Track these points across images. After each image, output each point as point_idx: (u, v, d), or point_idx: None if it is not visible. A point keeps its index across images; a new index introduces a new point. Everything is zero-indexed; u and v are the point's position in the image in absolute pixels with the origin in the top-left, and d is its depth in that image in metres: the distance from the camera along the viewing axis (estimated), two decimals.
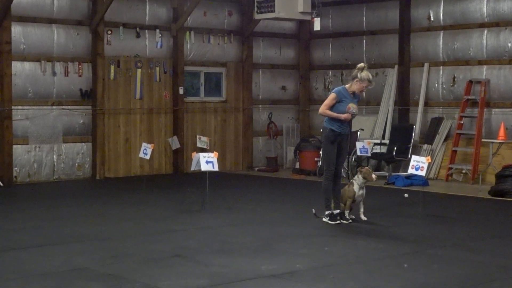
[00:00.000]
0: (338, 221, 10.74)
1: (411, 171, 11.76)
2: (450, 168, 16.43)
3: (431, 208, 12.50)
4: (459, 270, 8.03)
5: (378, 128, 17.93)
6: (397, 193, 14.09)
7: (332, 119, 10.70)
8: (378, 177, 16.42)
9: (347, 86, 10.84)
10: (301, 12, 17.28)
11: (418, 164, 11.18)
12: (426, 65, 17.43)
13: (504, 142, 15.47)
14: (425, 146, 16.91)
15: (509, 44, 16.14)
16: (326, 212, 10.87)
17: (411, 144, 16.67)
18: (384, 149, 16.94)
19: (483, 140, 15.92)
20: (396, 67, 17.95)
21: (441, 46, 17.30)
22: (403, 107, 17.80)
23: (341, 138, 10.76)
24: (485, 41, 16.54)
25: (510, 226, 10.88)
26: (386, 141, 17.29)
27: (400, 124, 17.55)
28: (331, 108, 10.70)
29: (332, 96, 10.80)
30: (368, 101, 18.74)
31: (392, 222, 11.01)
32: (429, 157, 11.89)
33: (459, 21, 16.94)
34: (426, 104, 17.49)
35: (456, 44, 17.02)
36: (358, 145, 15.81)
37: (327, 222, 10.77)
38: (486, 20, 16.52)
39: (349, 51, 19.17)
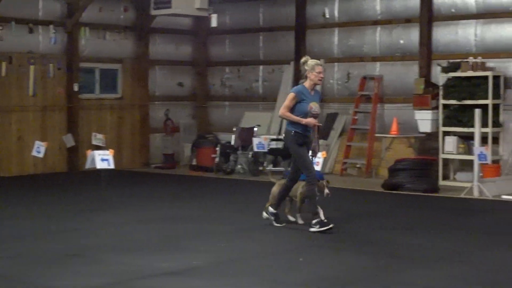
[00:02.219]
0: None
1: None
2: (344, 163, 16.73)
3: (325, 202, 12.69)
4: (356, 261, 8.18)
5: (274, 123, 18.08)
6: None
7: (295, 122, 9.99)
8: (275, 172, 16.65)
9: (305, 84, 10.13)
10: (198, 9, 17.24)
11: (314, 159, 11.34)
12: (322, 61, 17.63)
13: (396, 137, 15.87)
14: (321, 141, 17.10)
15: (401, 41, 16.56)
16: (315, 221, 9.84)
17: None
18: (280, 145, 17.08)
19: (376, 135, 16.28)
20: (292, 63, 18.14)
21: (336, 42, 17.60)
22: None
23: (306, 141, 10.02)
24: (378, 38, 16.92)
25: (403, 218, 11.16)
26: (282, 136, 17.42)
27: None
28: (292, 109, 9.98)
29: (291, 96, 10.07)
30: (265, 98, 18.88)
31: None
32: (324, 152, 12.09)
33: (354, 18, 17.27)
34: (321, 100, 17.63)
35: (351, 41, 17.35)
36: (255, 141, 15.94)
37: (316, 231, 9.80)
38: (379, 17, 16.90)
39: (246, 47, 19.26)
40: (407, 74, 16.41)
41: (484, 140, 14.15)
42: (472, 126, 13.95)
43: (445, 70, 15.31)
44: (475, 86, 14.78)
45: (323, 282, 7.27)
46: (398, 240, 9.37)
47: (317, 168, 11.79)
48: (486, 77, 14.67)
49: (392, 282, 7.31)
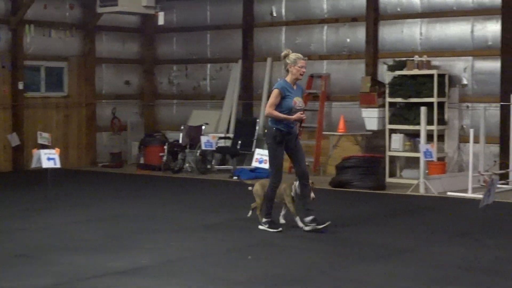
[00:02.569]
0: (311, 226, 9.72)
1: (255, 164, 11.93)
2: None
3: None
4: (304, 259, 8.22)
5: (222, 122, 18.07)
6: (242, 186, 14.22)
7: (279, 119, 9.68)
8: (223, 170, 16.66)
9: (287, 78, 9.80)
10: (145, 6, 17.15)
11: (262, 157, 11.36)
12: (269, 59, 17.72)
13: (343, 135, 15.99)
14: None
15: (348, 40, 16.68)
16: (265, 220, 9.87)
17: (255, 138, 16.93)
18: (228, 143, 17.10)
19: (324, 132, 16.38)
20: (240, 61, 18.15)
21: (283, 41, 17.65)
22: (247, 101, 18.04)
23: (289, 137, 9.76)
24: (325, 37, 17.02)
25: (350, 215, 11.23)
26: (231, 135, 17.46)
27: (244, 118, 17.78)
28: (275, 106, 9.68)
29: (275, 92, 9.71)
30: (213, 96, 18.86)
31: (237, 215, 11.11)
32: None
33: (301, 17, 17.34)
34: (269, 98, 17.73)
35: (298, 39, 17.42)
36: (203, 139, 15.90)
37: (265, 230, 9.79)
38: (326, 16, 17.00)
39: (193, 45, 19.21)
40: (353, 72, 16.54)
41: (429, 137, 14.33)
42: (418, 123, 14.12)
43: (391, 68, 15.47)
44: (421, 85, 14.97)
45: (271, 280, 7.29)
46: (345, 237, 9.44)
47: (265, 166, 11.82)
48: (431, 76, 14.86)
49: (338, 278, 7.36)
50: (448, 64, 15.35)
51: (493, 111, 14.72)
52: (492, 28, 14.95)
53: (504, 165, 14.40)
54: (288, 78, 9.81)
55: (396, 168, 15.64)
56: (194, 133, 16.94)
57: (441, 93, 14.94)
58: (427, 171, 13.90)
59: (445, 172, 14.73)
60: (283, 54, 9.86)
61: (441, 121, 15.01)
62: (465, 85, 15.24)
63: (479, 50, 15.12)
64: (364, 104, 15.80)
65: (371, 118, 15.66)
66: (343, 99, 16.68)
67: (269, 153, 9.91)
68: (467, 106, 15.19)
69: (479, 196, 11.23)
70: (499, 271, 7.69)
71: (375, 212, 11.63)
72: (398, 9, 16.03)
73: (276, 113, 9.64)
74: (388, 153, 15.35)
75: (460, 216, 11.34)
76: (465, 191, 13.25)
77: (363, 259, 8.23)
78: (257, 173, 15.48)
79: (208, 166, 16.72)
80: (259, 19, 18.01)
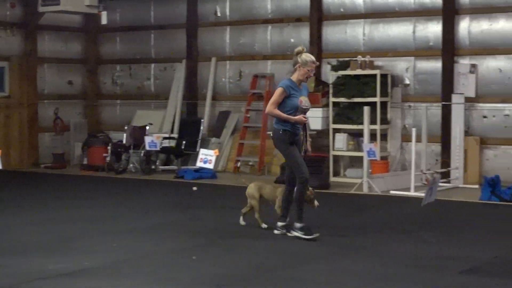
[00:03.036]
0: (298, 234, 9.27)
1: (199, 164, 11.91)
2: (237, 161, 16.81)
3: (220, 200, 12.75)
4: (252, 258, 8.22)
5: (167, 122, 17.99)
6: (186, 187, 14.21)
7: (283, 119, 9.27)
8: (168, 171, 16.58)
9: (292, 77, 9.36)
10: (88, 6, 16.96)
11: (207, 158, 11.34)
12: (214, 59, 17.70)
13: None
14: (213, 139, 17.17)
15: (292, 40, 16.75)
16: (300, 225, 9.29)
17: (200, 138, 16.90)
18: (173, 143, 17.03)
19: (268, 132, 16.39)
20: (184, 61, 18.09)
21: (227, 41, 17.65)
22: (192, 101, 17.99)
23: (296, 138, 9.35)
24: (269, 37, 17.07)
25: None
26: (175, 135, 17.39)
27: (189, 118, 17.74)
28: (280, 105, 9.26)
29: (279, 91, 9.25)
30: (157, 96, 18.77)
31: (183, 215, 11.08)
32: (217, 150, 12.10)
33: (245, 17, 17.36)
34: (214, 98, 17.78)
35: (242, 39, 17.44)
36: (147, 139, 15.82)
37: (298, 237, 9.20)
38: (270, 16, 17.05)
39: (137, 45, 19.08)
40: None
41: (373, 137, 14.47)
42: (361, 123, 14.25)
43: (335, 68, 15.59)
44: (364, 84, 15.11)
45: (216, 280, 7.28)
46: (291, 237, 9.46)
47: (210, 166, 11.83)
48: (374, 76, 15.01)
49: (284, 278, 7.38)
50: (391, 64, 15.53)
51: (435, 110, 14.93)
52: (433, 29, 15.16)
53: (445, 163, 14.62)
54: (294, 77, 9.37)
55: (340, 167, 15.76)
56: (138, 134, 16.82)
57: (383, 93, 15.11)
58: (370, 170, 14.03)
59: (388, 171, 14.89)
60: (297, 50, 9.38)
61: (384, 121, 15.18)
62: (407, 85, 15.43)
63: (421, 51, 15.33)
64: None
65: (315, 117, 15.73)
66: None
67: (285, 156, 9.44)
68: (409, 106, 15.38)
69: (421, 194, 11.37)
70: (442, 267, 7.80)
71: (320, 211, 11.67)
72: (342, 10, 16.15)
73: (278, 112, 9.23)
74: (332, 153, 15.47)
75: (403, 214, 11.47)
76: (408, 189, 13.41)
77: (310, 258, 8.27)
78: (201, 173, 15.46)
79: (152, 167, 16.62)
80: (203, 19, 17.98)
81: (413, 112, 15.35)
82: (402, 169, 15.16)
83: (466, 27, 14.83)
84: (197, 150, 16.08)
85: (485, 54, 14.68)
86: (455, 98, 14.68)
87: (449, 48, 14.82)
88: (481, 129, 14.75)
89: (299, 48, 9.39)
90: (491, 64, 14.65)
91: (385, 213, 11.61)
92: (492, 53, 14.62)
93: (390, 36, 15.61)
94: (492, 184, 12.60)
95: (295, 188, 9.32)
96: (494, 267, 7.89)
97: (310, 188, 9.50)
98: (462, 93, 14.69)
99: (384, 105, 15.18)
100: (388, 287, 7.08)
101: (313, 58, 9.35)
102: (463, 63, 14.83)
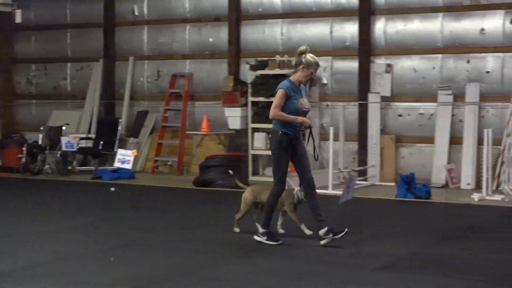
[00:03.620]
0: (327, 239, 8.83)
1: (117, 164, 11.82)
2: (156, 161, 16.69)
3: (139, 201, 12.64)
4: (170, 259, 8.17)
5: (84, 122, 17.75)
6: (104, 187, 14.04)
7: (285, 122, 8.82)
8: (85, 171, 16.35)
9: (291, 78, 8.90)
10: (1, 3, 16.56)
11: (125, 158, 11.31)
12: (131, 59, 17.55)
13: (207, 134, 16.03)
14: (131, 140, 17.01)
15: (211, 39, 16.74)
16: (263, 230, 9.00)
17: (117, 138, 16.72)
18: (90, 143, 16.81)
19: (187, 132, 16.37)
20: (101, 60, 17.87)
21: (145, 40, 17.53)
22: (109, 100, 17.79)
23: (296, 142, 8.95)
24: (188, 36, 17.02)
25: (214, 214, 11.28)
26: (92, 135, 17.17)
27: (106, 118, 17.54)
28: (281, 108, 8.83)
29: (281, 93, 8.77)
30: (74, 95, 18.50)
31: (101, 216, 10.93)
32: (135, 151, 12.03)
33: (163, 16, 17.27)
34: (132, 97, 17.62)
35: (161, 38, 17.34)
36: (64, 140, 15.60)
37: (261, 242, 8.94)
38: (188, 15, 17.00)
39: (53, 44, 18.77)
40: (216, 72, 16.62)
41: None
42: None
43: (253, 68, 15.64)
44: None
45: (135, 281, 7.21)
46: (213, 237, 9.45)
47: (128, 166, 11.73)
48: None
49: (204, 278, 7.36)
50: None
51: (352, 109, 15.13)
52: (350, 29, 15.37)
53: (362, 162, 14.84)
54: (294, 78, 8.91)
55: (259, 166, 15.82)
56: (54, 134, 16.54)
57: None
58: (289, 169, 14.05)
59: None
60: (300, 49, 8.90)
61: None
62: (325, 84, 15.60)
63: (338, 50, 15.52)
64: (227, 103, 15.90)
65: (234, 117, 15.79)
66: (206, 99, 16.73)
67: (274, 159, 8.97)
68: (327, 105, 15.56)
69: (339, 192, 11.49)
70: (358, 264, 7.90)
71: (239, 210, 11.69)
72: (260, 10, 16.22)
73: (283, 114, 8.74)
74: (251, 152, 15.52)
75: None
76: (326, 187, 13.55)
77: (230, 257, 8.26)
78: (119, 173, 15.28)
79: (69, 168, 16.37)
80: (121, 17, 17.80)
81: (330, 111, 15.52)
82: (320, 168, 15.30)
83: (381, 27, 15.08)
84: (115, 150, 15.94)
85: (400, 54, 14.96)
86: (371, 97, 14.91)
87: (365, 48, 15.04)
88: (397, 128, 15.02)
89: (303, 48, 8.89)
90: (406, 64, 14.94)
91: (303, 211, 11.68)
92: (407, 53, 14.91)
93: (308, 36, 15.74)
94: (407, 182, 12.84)
95: (269, 197, 8.99)
96: (410, 263, 8.03)
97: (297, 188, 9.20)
98: (378, 92, 14.94)
99: None
100: (303, 284, 7.12)
101: (317, 59, 8.91)
102: (379, 62, 15.07)
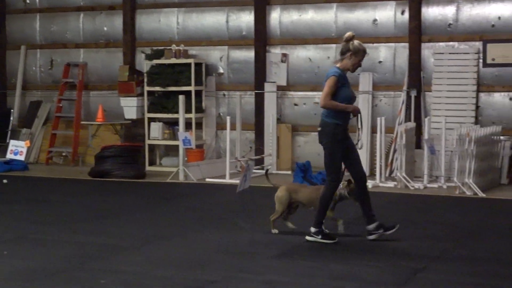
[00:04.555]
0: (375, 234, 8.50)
1: (9, 156, 11.54)
2: (50, 152, 16.36)
3: (32, 193, 12.38)
4: (62, 251, 8.02)
5: None
6: None
7: (338, 111, 8.35)
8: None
9: (339, 65, 8.41)
10: None
11: (17, 149, 11.04)
12: (23, 48, 17.11)
13: (102, 124, 15.82)
14: (24, 130, 16.61)
15: (105, 28, 16.50)
16: (315, 230, 8.46)
17: (10, 129, 16.34)
18: None
19: (82, 122, 16.10)
20: None
21: (38, 28, 17.13)
22: (0, 91, 17.32)
23: (347, 134, 8.47)
24: (82, 25, 16.72)
25: (110, 205, 11.14)
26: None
27: None
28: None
29: (333, 80, 8.25)
30: None
31: None
32: (28, 141, 11.75)
33: (56, 4, 16.92)
34: (24, 87, 17.20)
35: (53, 27, 16.98)
36: None
37: (316, 241, 8.43)
38: (82, 4, 16.70)
39: None
40: (111, 61, 16.40)
41: (188, 125, 14.55)
42: (177, 112, 14.26)
43: (149, 57, 15.52)
44: (179, 73, 15.15)
45: (28, 275, 7.06)
46: (106, 229, 9.34)
47: (21, 157, 11.46)
48: (188, 64, 15.09)
49: (97, 270, 7.26)
50: (205, 53, 15.66)
51: (248, 99, 15.22)
52: (245, 19, 15.42)
53: (259, 150, 14.94)
54: (342, 65, 8.42)
55: (156, 156, 15.73)
56: None
57: (198, 82, 15.21)
58: (186, 159, 14.09)
59: (204, 159, 15.02)
60: (347, 35, 8.42)
61: (199, 109, 15.29)
62: (221, 73, 15.62)
63: (234, 40, 15.55)
64: (122, 93, 15.72)
65: (130, 107, 15.63)
66: (101, 88, 16.51)
67: (327, 153, 8.42)
68: (224, 94, 15.59)
69: (236, 181, 11.55)
70: (256, 252, 7.97)
71: (135, 200, 11.62)
72: None
73: (335, 103, 8.27)
74: (147, 142, 15.41)
75: (219, 202, 11.61)
76: (223, 177, 13.61)
77: (123, 249, 8.19)
78: (12, 165, 14.88)
79: None
80: (12, 5, 17.34)
81: (227, 101, 15.56)
82: (217, 157, 15.35)
83: (277, 17, 15.20)
84: (7, 141, 15.55)
85: (295, 44, 15.12)
86: (267, 87, 15.03)
87: (261, 38, 15.13)
88: (293, 117, 15.19)
89: (350, 34, 8.42)
90: (301, 54, 15.10)
91: (201, 201, 11.70)
92: (302, 43, 15.08)
93: (204, 25, 15.72)
94: (303, 170, 13.01)
95: (323, 191, 8.48)
96: (306, 251, 8.14)
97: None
98: (274, 82, 15.07)
99: (199, 94, 15.29)
100: (201, 273, 7.13)
101: (364, 46, 8.46)
102: (274, 52, 15.20)
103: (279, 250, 8.07)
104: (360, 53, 8.38)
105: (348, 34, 8.43)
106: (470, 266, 7.51)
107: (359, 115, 8.50)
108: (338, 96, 8.31)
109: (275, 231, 8.89)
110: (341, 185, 8.63)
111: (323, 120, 8.43)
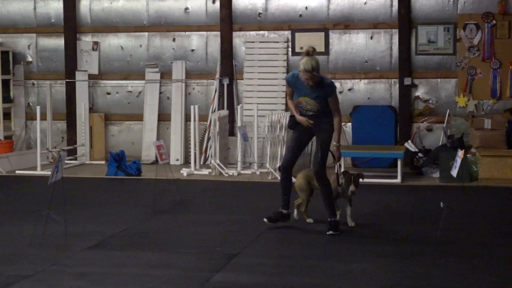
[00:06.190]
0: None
1: None
2: None
3: None
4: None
5: None
6: None
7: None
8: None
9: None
10: None
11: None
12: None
13: None
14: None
15: None
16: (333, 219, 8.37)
17: None
18: None
19: None
20: None
21: None
22: None
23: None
24: None
25: None
26: None
27: None
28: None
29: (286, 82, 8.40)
30: None
31: None
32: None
33: None
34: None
35: None
36: None
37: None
38: None
39: None
40: None
41: None
42: None
43: None
44: None
45: None
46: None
47: None
48: None
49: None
50: (12, 41, 15.15)
51: (59, 88, 14.88)
52: (54, 5, 15.04)
53: (72, 141, 14.65)
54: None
55: None
56: None
57: (5, 71, 14.70)
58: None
59: (13, 150, 14.53)
60: (304, 49, 8.04)
61: (7, 99, 14.77)
62: (30, 62, 15.17)
63: (43, 27, 15.13)
64: None
65: None
66: None
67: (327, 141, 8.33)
68: (33, 83, 15.15)
69: (48, 173, 11.25)
70: (69, 244, 7.82)
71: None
72: None
73: (289, 103, 8.35)
74: None
75: (30, 194, 11.28)
76: (34, 168, 13.23)
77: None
78: None
79: None
80: None
81: (37, 90, 15.13)
82: (28, 148, 14.91)
83: (87, 4, 14.92)
84: None
85: (106, 31, 14.91)
86: (78, 75, 14.75)
87: (70, 26, 14.81)
88: (106, 106, 15.00)
89: (307, 48, 8.04)
90: (113, 42, 14.92)
91: (12, 194, 11.33)
92: (114, 31, 14.89)
93: (10, 12, 15.18)
94: (117, 160, 12.89)
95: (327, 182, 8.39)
96: (121, 240, 8.08)
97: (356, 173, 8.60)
98: (86, 70, 14.80)
99: (6, 83, 14.77)
100: (13, 268, 6.91)
101: (309, 66, 7.90)
102: (85, 40, 14.92)
103: (94, 241, 7.96)
104: (303, 73, 8.00)
105: (305, 48, 8.08)
106: (284, 248, 7.74)
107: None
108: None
109: (310, 220, 8.78)
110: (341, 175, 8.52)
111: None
